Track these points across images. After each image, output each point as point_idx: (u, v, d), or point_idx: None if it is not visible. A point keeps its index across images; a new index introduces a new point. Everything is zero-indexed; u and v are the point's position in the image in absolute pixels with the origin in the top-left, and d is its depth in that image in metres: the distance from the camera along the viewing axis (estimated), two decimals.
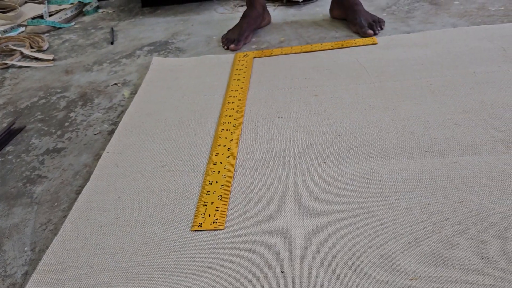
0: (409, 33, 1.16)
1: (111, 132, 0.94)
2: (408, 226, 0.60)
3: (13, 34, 1.65)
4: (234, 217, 0.66)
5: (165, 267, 0.60)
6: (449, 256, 0.55)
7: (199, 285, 0.56)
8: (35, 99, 1.15)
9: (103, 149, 0.88)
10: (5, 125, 1.03)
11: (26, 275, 0.64)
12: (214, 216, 0.66)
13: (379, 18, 1.23)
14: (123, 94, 1.10)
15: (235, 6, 1.62)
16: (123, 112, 1.01)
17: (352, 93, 0.92)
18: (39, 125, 1.02)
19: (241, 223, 0.65)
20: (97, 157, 0.87)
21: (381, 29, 1.21)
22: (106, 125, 0.98)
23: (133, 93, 1.09)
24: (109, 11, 1.81)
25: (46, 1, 1.84)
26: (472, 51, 1.00)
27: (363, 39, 1.14)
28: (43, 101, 1.13)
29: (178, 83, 1.07)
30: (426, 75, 0.94)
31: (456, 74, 0.92)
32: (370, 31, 1.17)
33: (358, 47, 1.10)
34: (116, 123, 0.97)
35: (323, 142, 0.78)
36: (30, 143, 0.96)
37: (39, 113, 1.08)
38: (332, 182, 0.69)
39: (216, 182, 0.73)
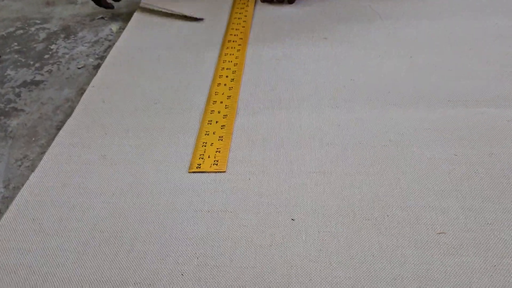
0: None
1: (97, 67, 0.85)
2: (433, 177, 0.54)
3: None
4: (237, 160, 0.59)
5: (159, 209, 0.53)
6: (480, 209, 0.49)
7: (197, 230, 0.50)
8: (12, 29, 1.03)
9: (88, 83, 0.79)
10: None
11: None
12: (215, 157, 0.59)
13: None
14: (111, 29, 0.99)
15: None
16: (110, 46, 0.91)
17: (365, 39, 0.84)
18: (16, 56, 0.92)
19: (244, 166, 0.58)
20: (81, 91, 0.78)
21: None
22: (91, 59, 0.88)
23: (122, 28, 0.98)
24: None
25: None
26: (493, 3, 0.92)
27: None
28: (20, 31, 1.02)
29: (172, 19, 0.97)
30: (444, 24, 0.86)
31: (477, 24, 0.85)
32: None
33: None
34: (102, 58, 0.88)
35: (335, 86, 0.71)
36: (5, 74, 0.86)
37: (15, 43, 0.97)
38: (346, 128, 0.62)
39: (217, 122, 0.65)
